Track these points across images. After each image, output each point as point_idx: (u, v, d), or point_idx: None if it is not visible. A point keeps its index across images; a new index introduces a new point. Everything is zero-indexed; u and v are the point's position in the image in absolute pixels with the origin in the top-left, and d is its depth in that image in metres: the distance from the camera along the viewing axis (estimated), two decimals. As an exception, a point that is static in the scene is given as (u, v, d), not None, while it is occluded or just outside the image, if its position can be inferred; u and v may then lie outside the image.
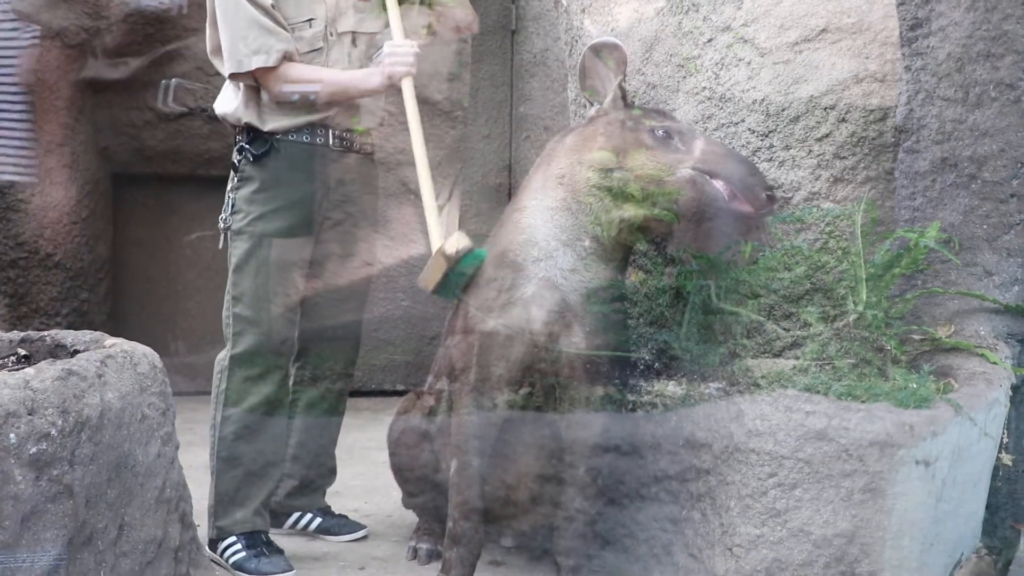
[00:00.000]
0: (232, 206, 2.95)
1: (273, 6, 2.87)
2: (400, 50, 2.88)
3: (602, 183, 2.52)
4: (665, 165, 2.50)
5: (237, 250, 2.94)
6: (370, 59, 3.07)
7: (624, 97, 2.66)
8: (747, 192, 2.50)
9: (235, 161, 2.96)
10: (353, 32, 3.03)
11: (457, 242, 2.60)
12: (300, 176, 2.95)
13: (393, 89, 2.92)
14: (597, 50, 2.67)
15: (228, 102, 2.99)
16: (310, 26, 2.95)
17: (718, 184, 2.50)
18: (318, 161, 2.98)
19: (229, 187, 2.97)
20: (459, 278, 2.63)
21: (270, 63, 2.84)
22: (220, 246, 3.01)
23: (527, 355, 2.57)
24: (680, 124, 2.63)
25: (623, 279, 2.76)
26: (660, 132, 2.55)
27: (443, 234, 2.69)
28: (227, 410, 2.92)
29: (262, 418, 2.93)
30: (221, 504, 2.94)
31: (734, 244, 2.76)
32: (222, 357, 2.95)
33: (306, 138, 2.95)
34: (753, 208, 2.52)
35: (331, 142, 2.99)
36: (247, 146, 2.93)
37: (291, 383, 3.19)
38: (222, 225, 2.97)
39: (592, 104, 2.73)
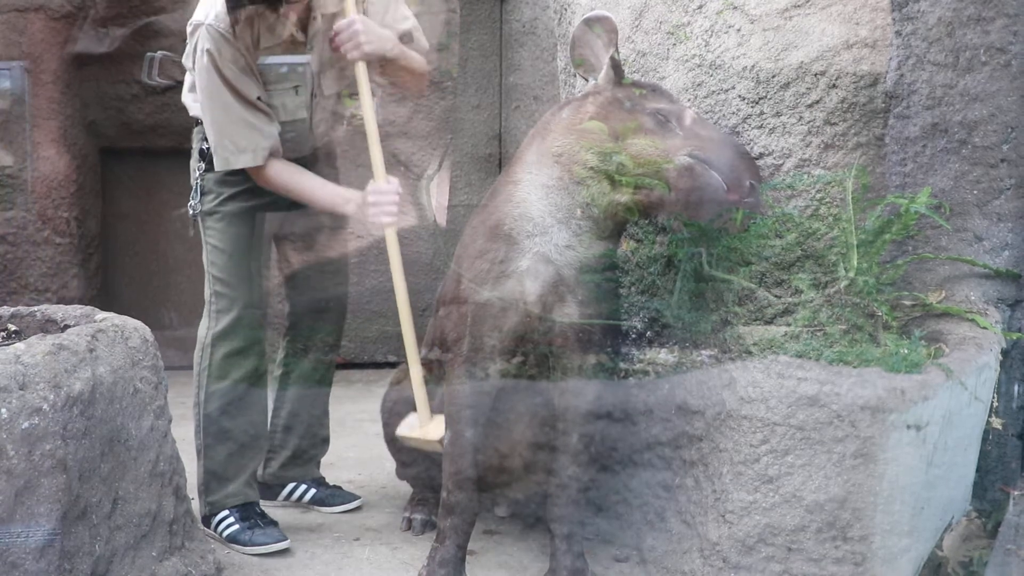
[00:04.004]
0: (201, 190, 2.93)
1: (259, 98, 2.80)
2: (383, 198, 2.77)
3: (600, 166, 2.51)
4: (663, 151, 2.48)
5: (212, 231, 2.93)
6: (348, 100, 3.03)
7: (618, 71, 2.63)
8: (734, 181, 2.50)
9: (203, 148, 2.92)
10: (338, 92, 3.00)
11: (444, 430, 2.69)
12: None
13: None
14: (589, 23, 2.64)
15: (193, 103, 2.94)
16: (296, 93, 2.89)
17: (714, 173, 2.50)
18: (289, 142, 2.95)
19: (196, 173, 2.94)
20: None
21: (257, 162, 2.81)
22: (191, 233, 2.99)
23: (520, 326, 2.57)
24: (675, 104, 2.61)
25: (615, 248, 2.75)
26: (658, 115, 2.53)
27: (429, 413, 2.79)
28: (211, 387, 2.92)
29: (247, 391, 2.94)
30: (211, 480, 2.95)
31: (725, 212, 2.75)
32: (203, 335, 2.95)
33: None
34: (737, 196, 2.52)
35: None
36: None
37: (282, 355, 3.22)
38: (191, 211, 2.94)
39: (586, 79, 2.70)
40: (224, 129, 2.79)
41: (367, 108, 2.78)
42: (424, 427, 2.78)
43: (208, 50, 2.72)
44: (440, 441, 2.69)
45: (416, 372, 2.78)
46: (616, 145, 2.51)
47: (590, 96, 2.63)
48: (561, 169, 2.56)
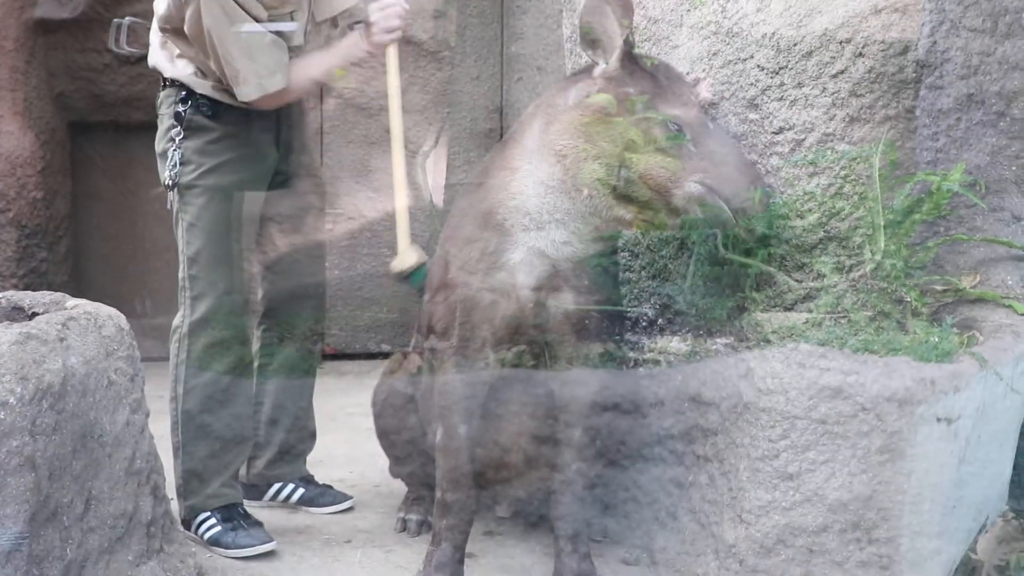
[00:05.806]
0: (180, 159, 2.89)
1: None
2: (388, 11, 2.80)
3: (606, 180, 2.52)
4: (673, 174, 2.50)
5: (189, 206, 2.89)
6: (349, 28, 3.02)
7: (631, 58, 2.60)
8: (743, 212, 2.54)
9: (179, 112, 2.89)
10: (333, 16, 2.99)
11: (406, 260, 2.91)
12: (255, 127, 2.94)
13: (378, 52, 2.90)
14: None
15: (168, 64, 2.93)
16: (291, 18, 2.87)
17: (723, 204, 2.52)
18: (270, 113, 2.95)
19: (175, 142, 2.90)
20: (414, 285, 2.96)
21: (286, 82, 2.81)
22: (168, 206, 2.96)
23: (514, 316, 2.59)
24: (689, 100, 2.59)
25: (619, 234, 2.76)
26: (671, 125, 2.53)
27: (407, 241, 2.91)
28: (191, 381, 2.90)
29: (229, 386, 2.93)
30: (190, 481, 2.94)
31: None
32: (179, 324, 2.93)
33: None
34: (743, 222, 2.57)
35: None
36: (200, 97, 2.88)
37: (259, 346, 3.21)
38: (168, 182, 2.90)
39: (596, 62, 2.66)
40: (251, 54, 2.77)
41: (394, 98, 2.81)
42: (399, 256, 2.92)
43: None
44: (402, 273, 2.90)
45: (401, 198, 2.87)
46: (624, 155, 2.51)
47: (602, 85, 2.58)
48: (564, 171, 2.56)
